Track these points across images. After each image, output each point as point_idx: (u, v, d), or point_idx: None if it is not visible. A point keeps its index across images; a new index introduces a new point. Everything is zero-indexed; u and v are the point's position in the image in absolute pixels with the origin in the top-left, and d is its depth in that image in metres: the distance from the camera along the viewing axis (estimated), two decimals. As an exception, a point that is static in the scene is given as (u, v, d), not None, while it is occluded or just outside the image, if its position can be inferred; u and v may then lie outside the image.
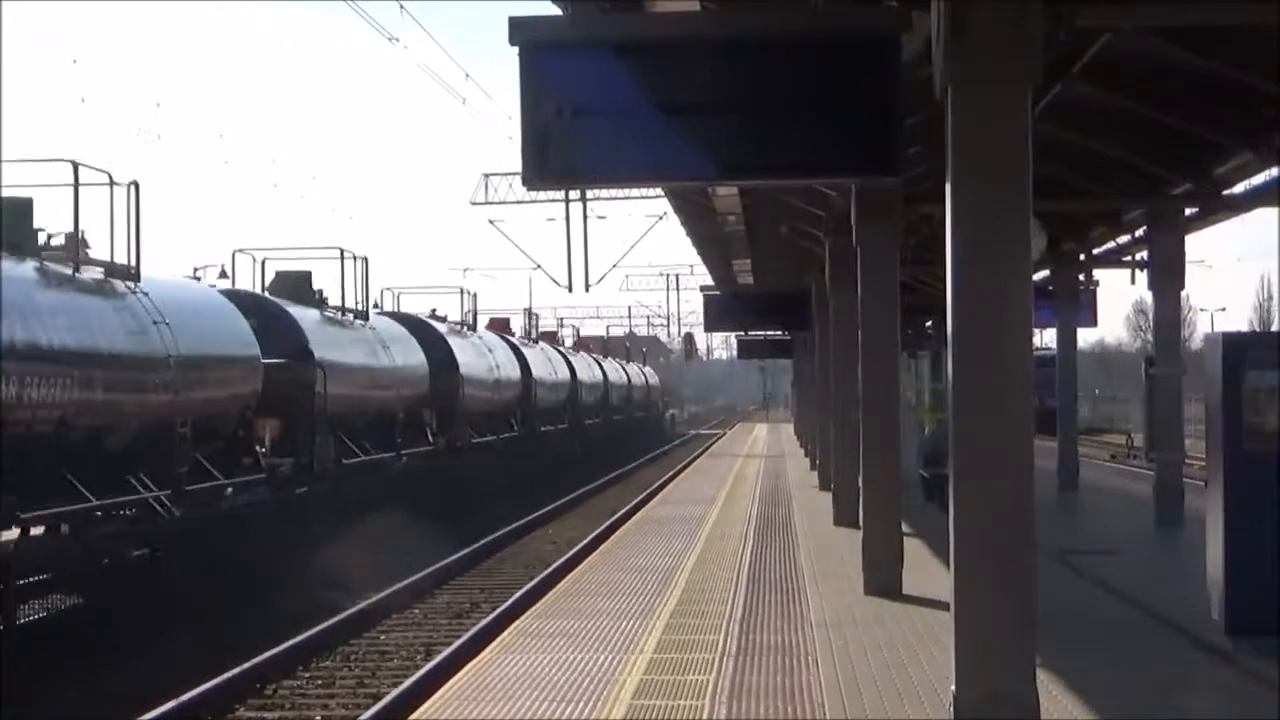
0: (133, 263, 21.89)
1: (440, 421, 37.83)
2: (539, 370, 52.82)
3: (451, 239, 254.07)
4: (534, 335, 61.78)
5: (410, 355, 36.25)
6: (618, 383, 77.66)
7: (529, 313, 63.18)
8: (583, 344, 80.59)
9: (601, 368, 72.66)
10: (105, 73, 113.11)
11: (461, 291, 46.21)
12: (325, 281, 32.58)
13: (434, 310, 43.69)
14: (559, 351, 63.40)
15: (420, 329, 39.02)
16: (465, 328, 44.96)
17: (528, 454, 46.84)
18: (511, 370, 47.84)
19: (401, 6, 38.41)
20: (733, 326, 49.44)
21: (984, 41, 8.45)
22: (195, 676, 16.27)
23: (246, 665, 16.97)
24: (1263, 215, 21.29)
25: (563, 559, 25.98)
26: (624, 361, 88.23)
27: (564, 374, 59.67)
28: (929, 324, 40.79)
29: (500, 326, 57.37)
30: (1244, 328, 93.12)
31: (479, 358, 43.39)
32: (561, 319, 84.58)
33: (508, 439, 44.98)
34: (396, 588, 22.96)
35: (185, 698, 15.44)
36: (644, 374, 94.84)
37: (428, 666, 17.04)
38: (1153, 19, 12.64)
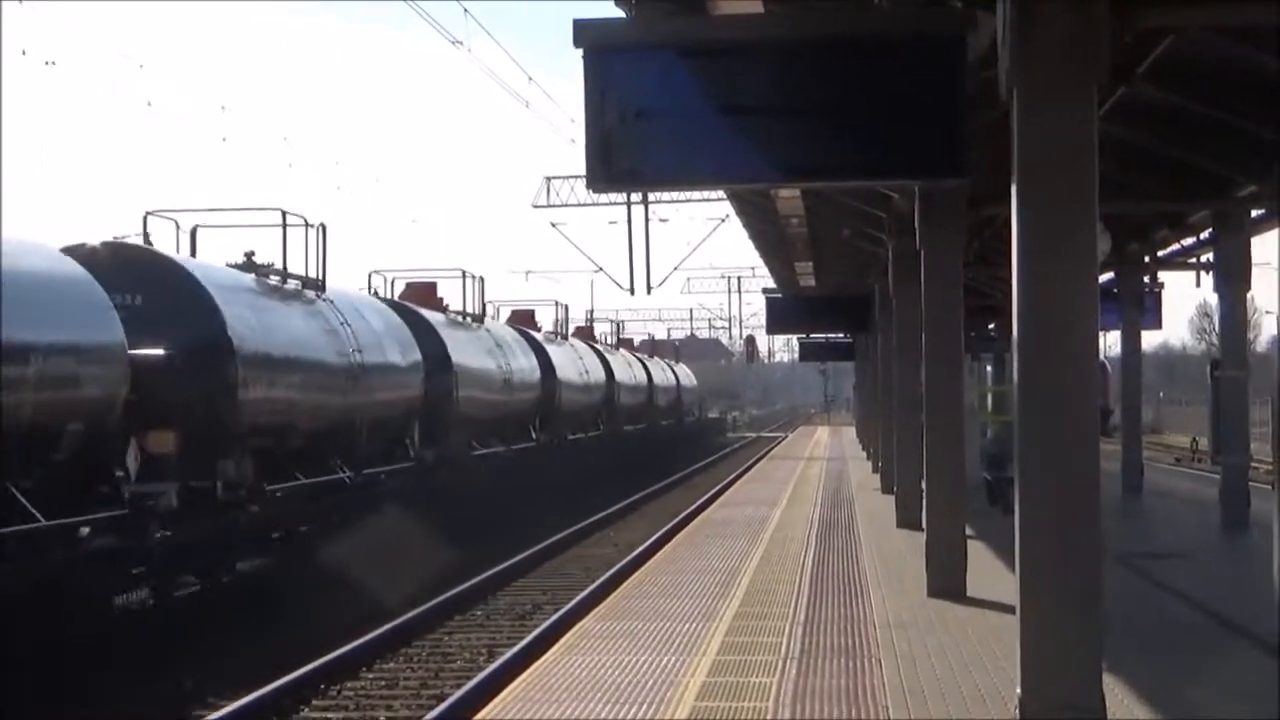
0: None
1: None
2: (463, 358, 34.62)
3: (514, 242, 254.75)
4: (472, 308, 39.55)
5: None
6: (630, 384, 60.60)
7: (470, 278, 39.77)
8: (584, 332, 62.72)
9: (606, 364, 55.22)
10: (172, 77, 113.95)
11: (306, 225, 26.58)
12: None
13: (250, 255, 25.59)
14: (523, 334, 44.75)
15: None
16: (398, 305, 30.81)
17: (433, 497, 29.91)
18: (402, 357, 29.96)
19: (465, 10, 38.51)
20: (794, 329, 49.41)
21: (1049, 42, 8.42)
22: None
23: (309, 666, 17.06)
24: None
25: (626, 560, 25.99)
26: (645, 357, 71.74)
27: (523, 370, 40.70)
28: (992, 326, 40.65)
29: (422, 296, 37.50)
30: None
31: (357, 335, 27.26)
32: (622, 321, 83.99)
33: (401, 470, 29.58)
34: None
35: (252, 696, 15.54)
36: (673, 372, 77.88)
37: (491, 668, 17.07)
38: (1219, 18, 12.55)
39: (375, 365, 27.92)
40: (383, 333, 29.51)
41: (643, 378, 64.65)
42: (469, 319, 38.91)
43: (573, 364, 48.58)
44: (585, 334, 61.42)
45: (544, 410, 43.41)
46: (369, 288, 35.48)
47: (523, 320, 50.30)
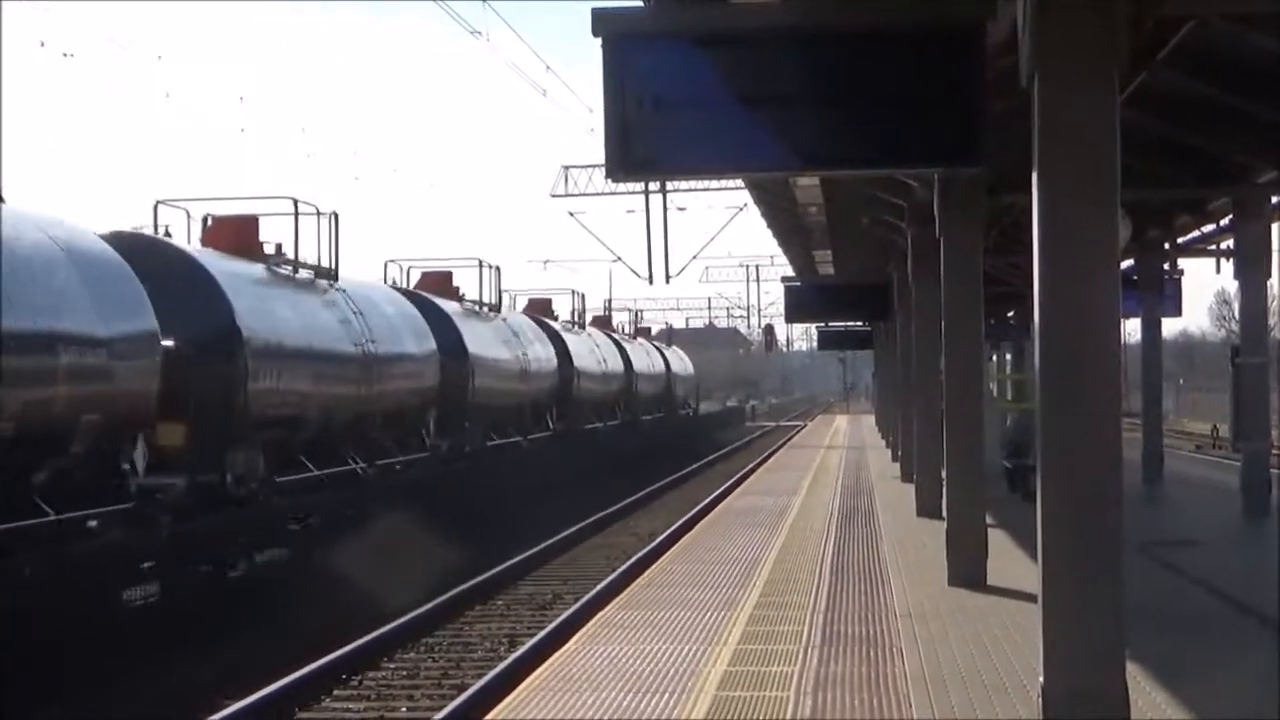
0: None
1: None
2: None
3: (532, 231, 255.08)
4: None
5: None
6: (596, 371, 49.06)
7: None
8: (537, 305, 50.51)
9: (561, 346, 44.69)
10: (190, 69, 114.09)
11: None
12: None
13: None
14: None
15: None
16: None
17: None
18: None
19: (484, 0, 38.47)
20: (813, 318, 49.34)
21: (1070, 28, 8.38)
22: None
23: (330, 656, 17.08)
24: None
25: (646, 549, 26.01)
26: (625, 339, 60.02)
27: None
28: (1011, 314, 40.60)
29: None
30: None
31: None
32: (640, 310, 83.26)
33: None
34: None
35: (272, 689, 15.56)
36: (662, 357, 65.86)
37: (512, 657, 17.10)
38: (1239, 5, 12.53)
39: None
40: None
41: (617, 364, 53.44)
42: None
43: (504, 345, 38.29)
44: (538, 308, 49.86)
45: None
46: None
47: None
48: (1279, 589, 14.61)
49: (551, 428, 41.25)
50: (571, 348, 45.48)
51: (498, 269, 39.28)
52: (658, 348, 67.27)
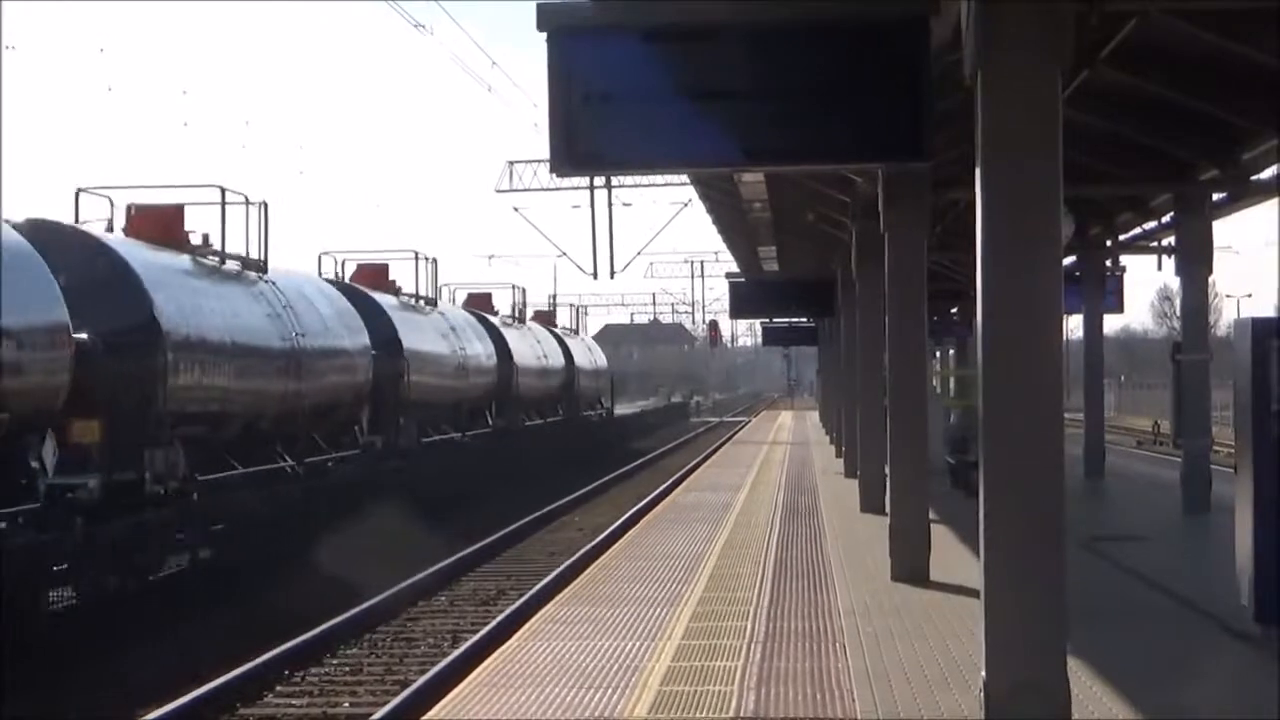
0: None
1: None
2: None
3: (477, 227, 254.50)
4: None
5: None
6: (447, 365, 36.99)
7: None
8: (367, 275, 36.21)
9: (390, 330, 32.46)
10: (132, 61, 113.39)
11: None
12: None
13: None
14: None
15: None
16: None
17: None
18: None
19: (427, -6, 38.23)
20: (758, 313, 49.26)
21: (1014, 24, 8.41)
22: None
23: (273, 653, 16.98)
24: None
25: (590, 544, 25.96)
26: (507, 322, 48.22)
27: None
28: (955, 310, 40.76)
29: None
30: (1271, 314, 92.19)
31: None
32: (587, 306, 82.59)
33: None
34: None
35: (212, 685, 15.46)
36: (560, 346, 54.66)
37: (455, 653, 17.04)
38: (1182, 3, 12.60)
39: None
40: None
41: (485, 355, 41.48)
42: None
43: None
44: (368, 277, 36.36)
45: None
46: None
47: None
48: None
49: (361, 441, 30.17)
50: (402, 333, 33.43)
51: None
52: (556, 335, 56.01)
